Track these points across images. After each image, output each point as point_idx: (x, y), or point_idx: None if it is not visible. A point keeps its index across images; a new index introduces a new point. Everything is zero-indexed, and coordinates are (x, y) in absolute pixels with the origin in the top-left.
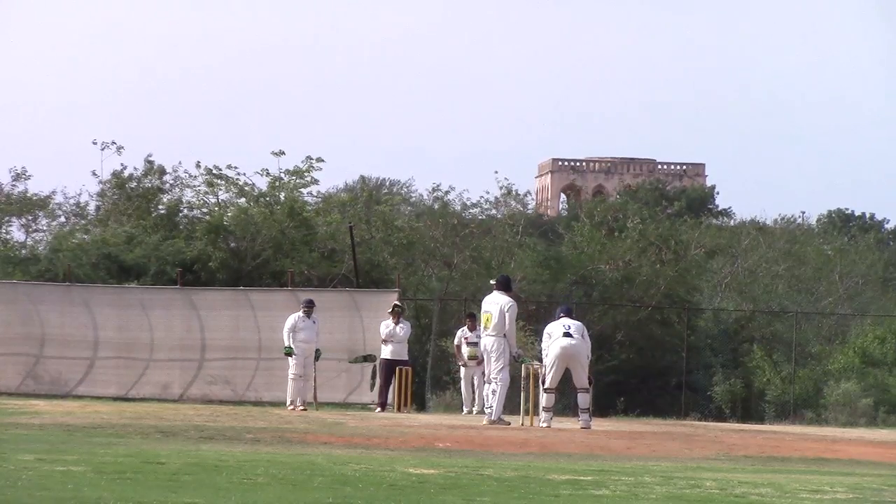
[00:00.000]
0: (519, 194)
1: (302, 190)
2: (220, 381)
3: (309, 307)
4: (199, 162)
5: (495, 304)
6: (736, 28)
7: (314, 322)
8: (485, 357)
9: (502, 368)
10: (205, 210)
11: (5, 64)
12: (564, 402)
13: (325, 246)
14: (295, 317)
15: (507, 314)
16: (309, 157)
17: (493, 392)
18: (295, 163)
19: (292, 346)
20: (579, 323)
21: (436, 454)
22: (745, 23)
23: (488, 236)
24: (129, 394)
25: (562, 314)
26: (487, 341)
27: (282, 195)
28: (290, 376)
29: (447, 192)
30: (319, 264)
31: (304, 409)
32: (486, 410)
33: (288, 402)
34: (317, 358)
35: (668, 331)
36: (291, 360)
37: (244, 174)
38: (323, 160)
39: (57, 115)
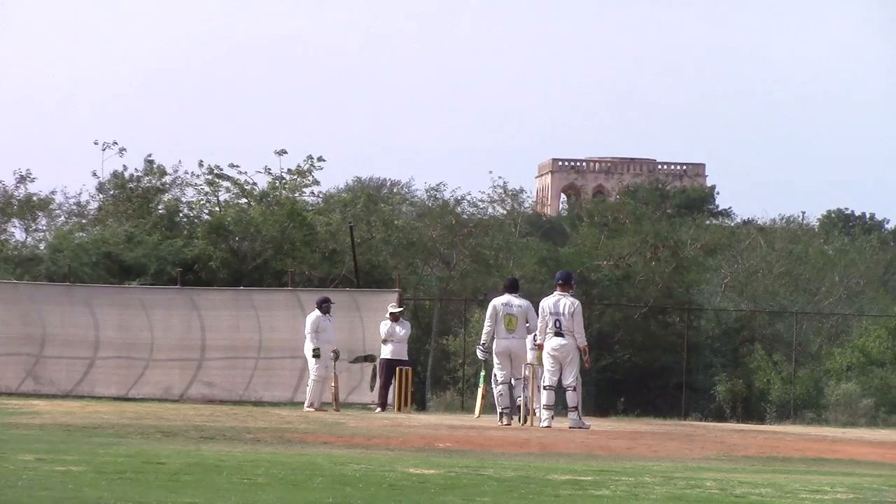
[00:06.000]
0: (514, 192)
1: (304, 189)
2: (216, 387)
3: (328, 304)
4: (201, 161)
5: (516, 307)
6: (736, 28)
7: (330, 321)
8: (508, 360)
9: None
10: (206, 210)
11: (5, 64)
12: (563, 401)
13: (325, 246)
14: (316, 317)
15: (528, 315)
16: (310, 157)
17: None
18: (296, 162)
19: (319, 346)
20: (570, 301)
21: (436, 454)
22: (746, 23)
23: (486, 235)
24: (129, 394)
25: (558, 282)
26: (514, 344)
27: (282, 192)
28: (314, 377)
29: (448, 192)
30: (321, 265)
31: (318, 410)
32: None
33: (307, 404)
34: (336, 358)
35: (669, 330)
36: (314, 363)
37: (245, 173)
38: (324, 159)
39: (57, 116)
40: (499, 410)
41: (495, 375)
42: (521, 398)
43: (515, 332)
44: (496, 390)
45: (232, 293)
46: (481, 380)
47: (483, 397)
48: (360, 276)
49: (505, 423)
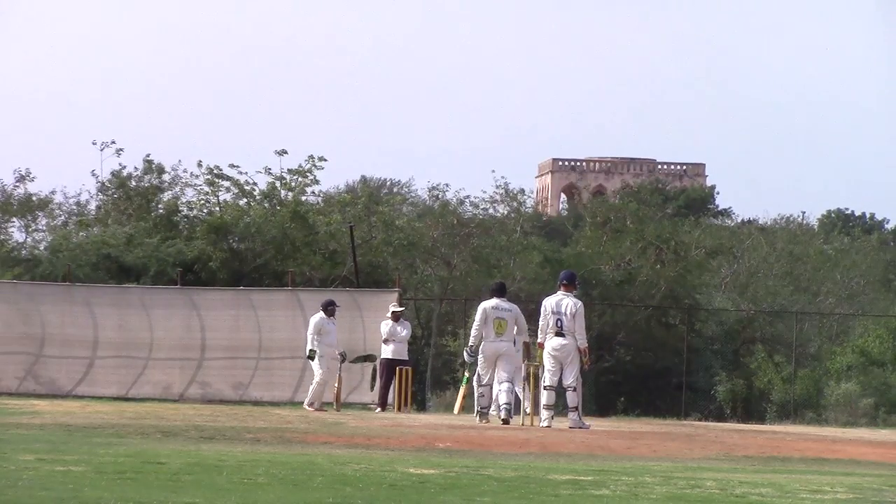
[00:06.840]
0: (514, 192)
1: (305, 189)
2: (216, 387)
3: (333, 307)
4: (200, 161)
5: (506, 311)
6: (736, 28)
7: (334, 324)
8: (493, 364)
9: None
10: (205, 210)
11: (5, 63)
12: (563, 401)
13: (326, 247)
14: (320, 318)
15: (517, 320)
16: (311, 157)
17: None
18: (297, 162)
19: (316, 349)
20: (573, 302)
21: (436, 454)
22: (745, 23)
23: (488, 236)
24: (129, 394)
25: (562, 282)
26: (503, 348)
27: (284, 193)
28: (317, 380)
29: (451, 193)
30: (322, 266)
31: (318, 410)
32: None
33: (307, 402)
34: (343, 361)
35: (669, 331)
36: (317, 365)
37: (245, 173)
38: (325, 159)
39: (57, 115)
40: (476, 409)
41: (479, 376)
42: (521, 398)
43: (504, 335)
44: (477, 391)
45: (232, 293)
46: (464, 380)
47: (465, 396)
48: (360, 277)
49: (484, 422)
